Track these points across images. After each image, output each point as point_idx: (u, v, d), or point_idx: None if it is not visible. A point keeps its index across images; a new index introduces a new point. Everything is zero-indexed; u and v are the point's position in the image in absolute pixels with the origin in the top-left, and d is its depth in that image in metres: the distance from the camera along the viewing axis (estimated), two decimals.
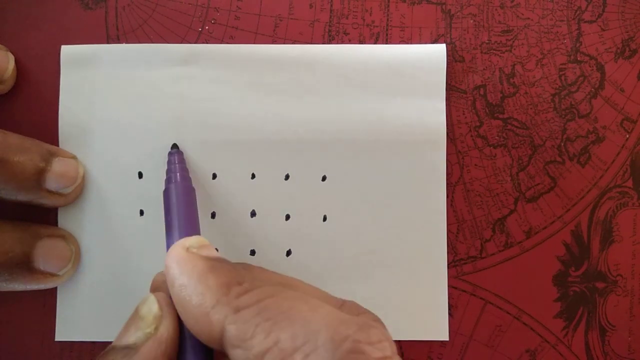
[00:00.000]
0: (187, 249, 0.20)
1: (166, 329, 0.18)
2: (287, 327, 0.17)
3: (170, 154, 0.26)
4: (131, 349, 0.18)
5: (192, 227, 0.23)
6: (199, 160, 0.27)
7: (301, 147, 0.27)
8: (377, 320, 0.20)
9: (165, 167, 0.26)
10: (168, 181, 0.25)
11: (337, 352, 0.16)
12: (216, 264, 0.19)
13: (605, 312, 0.28)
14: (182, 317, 0.18)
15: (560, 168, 0.28)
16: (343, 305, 0.20)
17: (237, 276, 0.18)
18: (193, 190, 0.25)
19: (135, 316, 0.19)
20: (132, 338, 0.18)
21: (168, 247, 0.22)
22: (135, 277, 0.27)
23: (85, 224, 0.27)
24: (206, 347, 0.19)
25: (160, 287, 0.21)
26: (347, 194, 0.27)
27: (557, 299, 0.28)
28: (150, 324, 0.18)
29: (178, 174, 0.25)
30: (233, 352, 0.17)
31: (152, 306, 0.19)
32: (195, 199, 0.24)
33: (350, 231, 0.27)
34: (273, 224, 0.27)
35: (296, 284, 0.20)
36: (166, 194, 0.24)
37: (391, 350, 0.17)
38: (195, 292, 0.18)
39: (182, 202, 0.23)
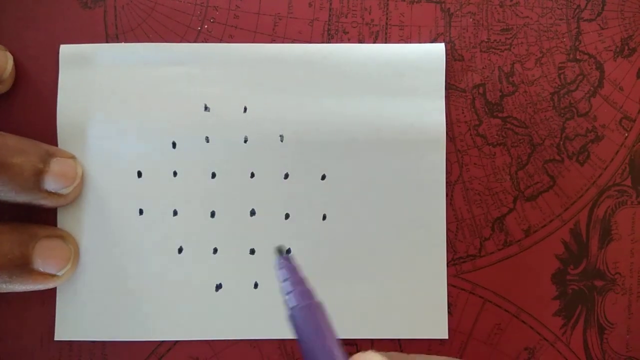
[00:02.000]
0: None
1: None
2: None
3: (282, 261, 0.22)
4: None
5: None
6: (198, 160, 0.27)
7: (300, 146, 0.27)
8: None
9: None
10: (300, 299, 0.21)
11: None
12: None
13: (604, 310, 0.28)
14: None
15: (559, 167, 0.28)
16: None
17: None
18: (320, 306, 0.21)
19: None
20: None
21: None
22: (134, 276, 0.27)
23: (84, 224, 0.27)
24: None
25: None
26: (346, 193, 0.27)
27: (556, 297, 0.28)
28: None
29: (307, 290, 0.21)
30: None
31: None
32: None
33: (349, 230, 0.27)
34: (272, 223, 0.27)
35: None
36: (303, 319, 0.20)
37: None
38: None
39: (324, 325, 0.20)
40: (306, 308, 0.20)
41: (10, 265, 0.24)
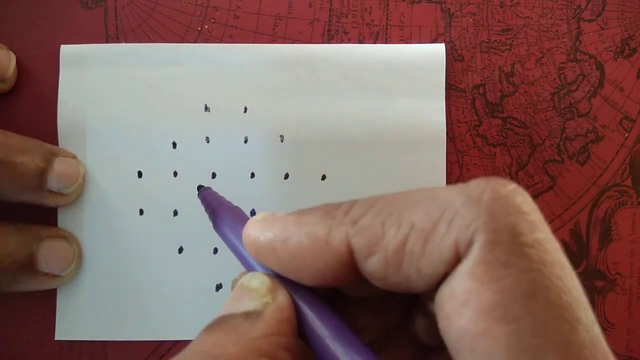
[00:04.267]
0: (262, 220, 0.18)
1: (284, 297, 0.17)
2: (416, 210, 0.15)
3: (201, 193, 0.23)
4: (251, 313, 0.17)
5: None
6: (198, 160, 0.27)
7: (301, 146, 0.27)
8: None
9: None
10: (214, 215, 0.22)
11: (480, 204, 0.15)
12: (299, 211, 0.18)
13: (604, 311, 0.28)
14: (300, 271, 0.17)
15: (559, 167, 0.28)
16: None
17: (329, 205, 0.17)
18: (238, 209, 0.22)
19: (243, 289, 0.18)
20: (249, 306, 0.17)
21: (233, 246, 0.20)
22: (135, 275, 0.27)
23: (85, 224, 0.27)
24: (321, 303, 0.18)
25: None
26: (346, 193, 0.27)
27: None
28: (265, 295, 0.17)
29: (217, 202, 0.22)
30: (368, 264, 0.16)
31: (263, 279, 0.18)
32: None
33: None
34: None
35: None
36: (218, 223, 0.22)
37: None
38: (301, 236, 0.17)
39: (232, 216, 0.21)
40: (222, 214, 0.21)
41: (15, 266, 0.24)
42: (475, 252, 0.14)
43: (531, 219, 0.15)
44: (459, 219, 0.15)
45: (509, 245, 0.14)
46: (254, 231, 0.18)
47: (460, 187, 0.16)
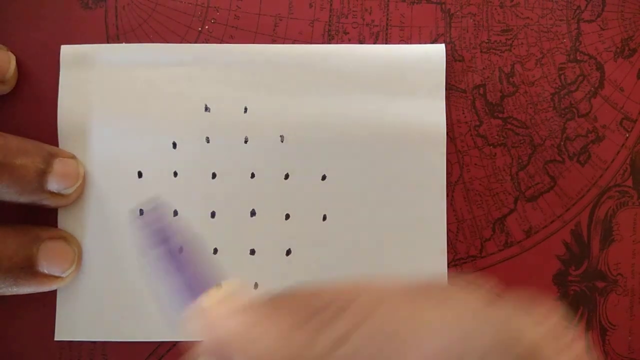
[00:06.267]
0: (208, 310, 0.16)
1: None
2: (429, 342, 0.13)
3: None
4: None
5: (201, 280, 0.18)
6: (198, 160, 0.27)
7: (301, 146, 0.27)
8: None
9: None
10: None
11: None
12: (257, 309, 0.15)
13: (606, 312, 0.28)
14: None
15: (560, 167, 0.28)
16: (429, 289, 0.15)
17: (310, 305, 0.14)
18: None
19: None
20: None
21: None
22: (134, 276, 0.27)
23: (85, 224, 0.27)
24: None
25: None
26: (347, 193, 0.27)
27: (557, 298, 0.28)
28: None
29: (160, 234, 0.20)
30: None
31: None
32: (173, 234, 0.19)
33: (350, 231, 0.27)
34: (273, 223, 0.27)
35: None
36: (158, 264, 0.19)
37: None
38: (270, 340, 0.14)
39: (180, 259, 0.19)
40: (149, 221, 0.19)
41: (15, 268, 0.24)
42: None
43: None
44: None
45: None
46: (197, 326, 0.16)
47: (479, 327, 0.13)
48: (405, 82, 0.27)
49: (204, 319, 0.16)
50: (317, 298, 0.15)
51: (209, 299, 0.17)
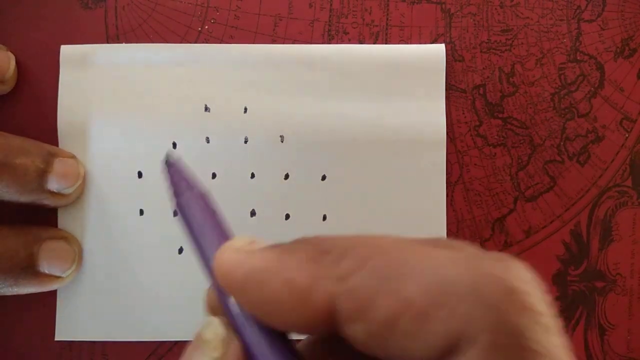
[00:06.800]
0: (238, 250, 0.17)
1: (236, 351, 0.16)
2: (416, 283, 0.14)
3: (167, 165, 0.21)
4: None
5: (223, 233, 0.19)
6: (198, 160, 0.27)
7: (301, 146, 0.27)
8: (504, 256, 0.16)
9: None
10: (177, 195, 0.20)
11: (490, 297, 0.13)
12: (282, 247, 0.16)
13: (605, 311, 0.28)
14: (271, 316, 0.16)
15: (559, 167, 0.28)
16: (437, 243, 0.16)
17: (317, 247, 0.15)
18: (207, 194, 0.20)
19: (198, 341, 0.17)
20: None
21: (206, 264, 0.19)
22: (134, 276, 0.27)
23: (85, 224, 0.27)
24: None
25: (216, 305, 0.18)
26: (346, 193, 0.27)
27: (557, 298, 0.28)
28: (217, 348, 0.16)
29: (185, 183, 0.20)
30: (350, 329, 0.14)
31: (218, 329, 0.16)
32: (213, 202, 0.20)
33: (350, 231, 0.27)
34: (273, 223, 0.27)
35: (374, 240, 0.16)
36: (182, 208, 0.19)
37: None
38: (279, 283, 0.15)
39: (203, 211, 0.19)
40: (187, 199, 0.19)
41: (16, 268, 0.24)
42: (475, 352, 0.13)
43: (544, 322, 0.14)
44: (463, 308, 0.13)
45: (514, 351, 0.13)
46: (228, 262, 0.16)
47: (468, 263, 0.14)
48: (406, 82, 0.27)
49: (234, 255, 0.17)
50: (323, 242, 0.16)
51: (236, 241, 0.18)
